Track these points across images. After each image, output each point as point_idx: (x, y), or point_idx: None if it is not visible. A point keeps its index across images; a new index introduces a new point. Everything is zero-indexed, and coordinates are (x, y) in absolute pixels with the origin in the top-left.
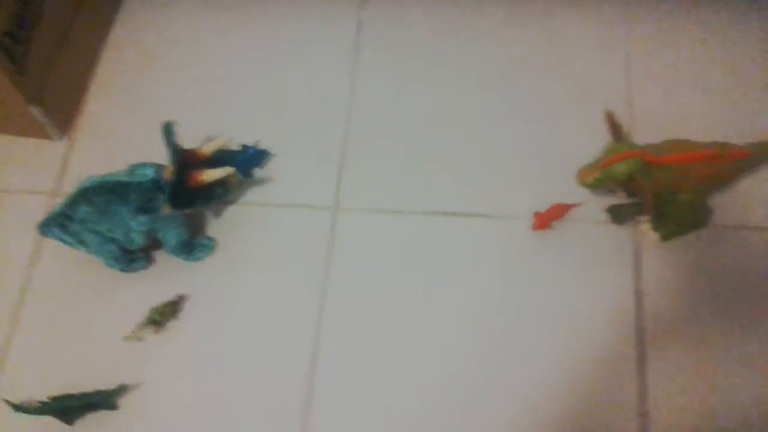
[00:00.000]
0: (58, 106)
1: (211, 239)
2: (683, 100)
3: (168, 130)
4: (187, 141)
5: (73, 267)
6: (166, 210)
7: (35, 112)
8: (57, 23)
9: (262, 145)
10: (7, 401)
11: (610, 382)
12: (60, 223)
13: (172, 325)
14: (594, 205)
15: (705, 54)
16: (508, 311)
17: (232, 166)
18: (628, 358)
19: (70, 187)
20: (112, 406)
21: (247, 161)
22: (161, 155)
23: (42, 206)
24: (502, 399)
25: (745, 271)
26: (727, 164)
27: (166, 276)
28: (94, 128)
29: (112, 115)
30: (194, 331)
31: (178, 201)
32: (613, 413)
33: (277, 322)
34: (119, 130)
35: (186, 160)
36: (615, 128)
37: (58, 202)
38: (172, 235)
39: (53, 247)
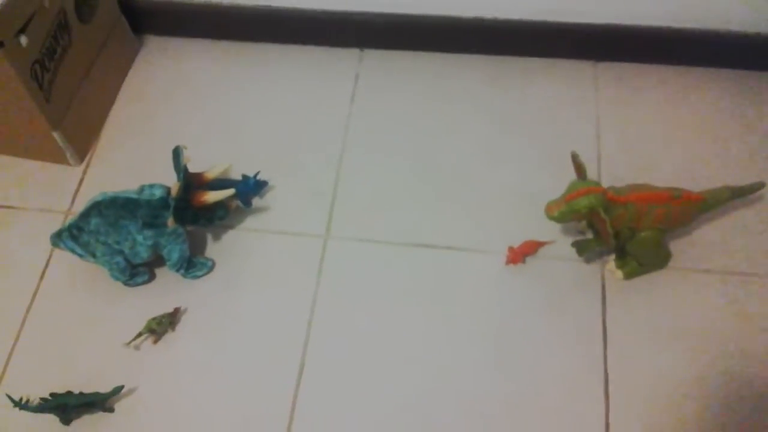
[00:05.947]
0: (77, 133)
1: (209, 259)
2: (646, 152)
3: (177, 153)
4: (193, 169)
5: (80, 279)
6: (170, 223)
7: (57, 137)
8: (81, 59)
9: (262, 177)
10: (9, 397)
11: (575, 406)
12: (72, 234)
13: (169, 336)
14: (564, 245)
15: (668, 113)
16: (481, 338)
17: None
18: (593, 385)
19: (82, 206)
20: (109, 409)
21: (248, 190)
22: (168, 181)
23: (55, 224)
24: (471, 422)
25: (699, 310)
26: (681, 206)
27: (165, 291)
28: (108, 157)
29: (125, 146)
30: (189, 342)
31: (181, 216)
32: None
33: (267, 339)
34: (130, 160)
35: (191, 181)
36: (579, 167)
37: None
38: (175, 251)
39: (62, 260)
